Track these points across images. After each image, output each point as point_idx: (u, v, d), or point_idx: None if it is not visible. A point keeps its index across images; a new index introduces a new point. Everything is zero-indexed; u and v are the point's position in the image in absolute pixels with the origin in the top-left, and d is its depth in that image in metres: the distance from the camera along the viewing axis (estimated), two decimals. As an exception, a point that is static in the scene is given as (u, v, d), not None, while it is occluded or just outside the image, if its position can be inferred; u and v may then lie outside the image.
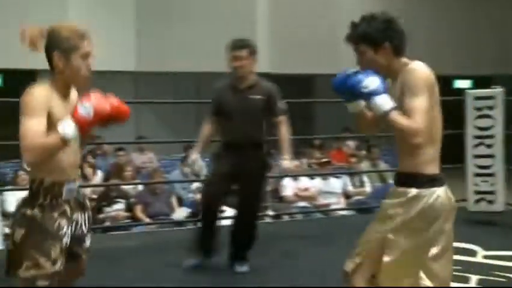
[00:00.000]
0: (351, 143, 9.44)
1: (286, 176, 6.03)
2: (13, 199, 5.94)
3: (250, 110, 3.61)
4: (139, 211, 5.95)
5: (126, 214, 5.96)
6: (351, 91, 2.11)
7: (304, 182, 6.60)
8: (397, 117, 1.99)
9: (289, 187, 6.49)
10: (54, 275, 2.01)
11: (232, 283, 3.45)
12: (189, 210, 6.12)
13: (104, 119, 2.00)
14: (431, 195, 2.04)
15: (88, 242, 2.25)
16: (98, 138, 8.50)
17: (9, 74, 10.05)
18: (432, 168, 2.08)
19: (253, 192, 3.69)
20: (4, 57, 9.33)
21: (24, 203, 2.09)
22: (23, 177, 6.11)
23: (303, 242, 4.41)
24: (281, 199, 6.50)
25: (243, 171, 3.56)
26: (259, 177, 3.70)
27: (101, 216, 5.90)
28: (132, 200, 6.12)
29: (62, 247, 2.04)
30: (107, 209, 5.96)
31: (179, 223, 5.78)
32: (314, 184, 6.67)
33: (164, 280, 3.45)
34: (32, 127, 1.96)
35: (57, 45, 2.11)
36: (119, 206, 5.99)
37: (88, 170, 7.00)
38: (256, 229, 3.73)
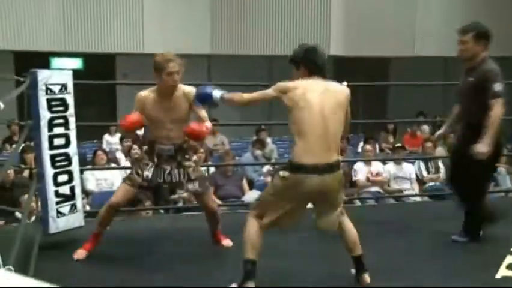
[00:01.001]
0: (426, 127, 9.17)
1: (359, 160, 5.94)
2: (92, 178, 6.22)
3: (465, 92, 3.69)
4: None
5: (198, 196, 6.05)
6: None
7: (376, 166, 6.48)
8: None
9: (361, 171, 6.39)
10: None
11: (306, 265, 3.44)
12: (260, 193, 6.15)
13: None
14: None
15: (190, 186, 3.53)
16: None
17: (89, 57, 10.46)
18: None
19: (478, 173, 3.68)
20: (84, 42, 9.72)
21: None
22: (101, 157, 6.34)
23: (375, 227, 4.31)
24: (353, 183, 6.41)
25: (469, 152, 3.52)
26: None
27: (174, 197, 6.06)
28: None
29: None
30: (180, 191, 6.10)
31: (250, 206, 5.82)
32: (387, 169, 6.53)
33: (234, 260, 3.48)
34: None
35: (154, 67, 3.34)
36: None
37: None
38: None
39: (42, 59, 9.53)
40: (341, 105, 2.88)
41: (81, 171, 6.37)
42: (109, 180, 6.33)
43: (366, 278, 3.06)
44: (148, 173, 3.42)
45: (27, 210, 3.24)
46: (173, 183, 3.60)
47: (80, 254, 3.41)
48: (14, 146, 7.29)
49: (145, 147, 3.63)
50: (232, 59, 10.60)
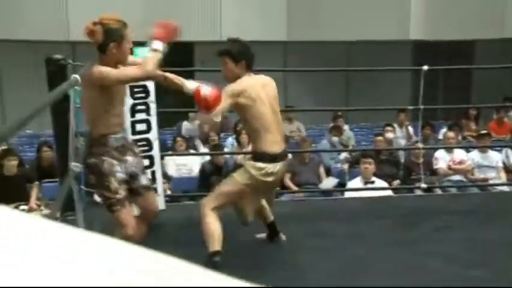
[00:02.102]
0: (514, 114, 8.69)
1: (440, 147, 5.73)
2: (173, 164, 6.40)
3: None
4: (287, 179, 6.06)
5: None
6: None
7: (459, 154, 6.22)
8: None
9: (442, 159, 6.16)
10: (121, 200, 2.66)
11: (373, 256, 3.37)
12: (337, 180, 6.10)
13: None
14: None
15: (144, 180, 2.85)
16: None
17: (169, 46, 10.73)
18: None
19: None
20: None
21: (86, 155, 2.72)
22: (181, 143, 6.50)
23: (457, 216, 4.17)
24: (434, 172, 6.19)
25: None
26: None
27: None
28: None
29: (118, 181, 2.67)
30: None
31: (326, 192, 5.79)
32: (470, 157, 6.26)
33: (317, 248, 3.47)
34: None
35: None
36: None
37: (244, 138, 7.17)
38: None
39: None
40: (277, 97, 3.13)
41: (162, 157, 6.62)
42: (188, 166, 6.49)
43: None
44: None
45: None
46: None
47: None
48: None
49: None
50: (309, 46, 10.51)
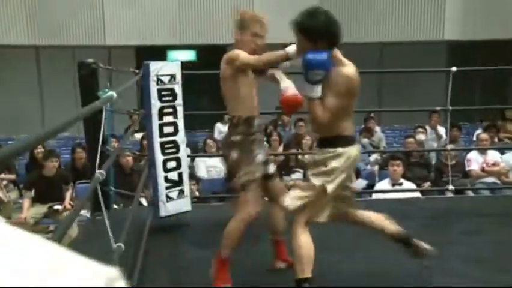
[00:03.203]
0: (554, 115, 8.46)
1: (470, 148, 5.64)
2: (203, 165, 6.49)
3: None
4: (316, 180, 6.06)
5: (305, 183, 6.10)
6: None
7: (492, 156, 6.10)
8: None
9: (475, 161, 6.06)
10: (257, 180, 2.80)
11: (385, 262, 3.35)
12: (366, 181, 6.07)
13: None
14: None
15: (271, 168, 2.97)
16: (280, 109, 8.83)
17: (202, 49, 10.86)
18: None
19: None
20: (197, 34, 10.11)
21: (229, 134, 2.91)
22: (211, 145, 6.58)
23: (487, 219, 4.10)
24: (466, 174, 6.09)
25: None
26: None
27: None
28: (310, 169, 6.25)
29: (258, 162, 2.82)
30: (286, 178, 6.18)
31: (357, 194, 5.75)
32: (505, 159, 6.13)
33: (339, 248, 3.48)
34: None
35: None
36: (297, 176, 6.17)
37: (275, 140, 7.20)
38: None
39: (160, 52, 10.07)
40: None
41: (192, 159, 6.72)
42: (218, 167, 6.56)
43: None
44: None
45: (139, 194, 3.47)
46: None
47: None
48: (135, 135, 7.78)
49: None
50: (343, 47, 10.46)
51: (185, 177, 3.85)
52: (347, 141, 2.60)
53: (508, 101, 11.02)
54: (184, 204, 3.86)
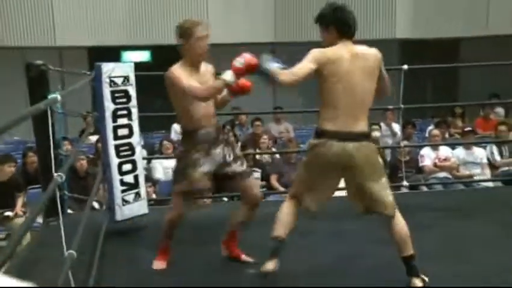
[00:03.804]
0: (500, 110, 8.76)
1: (423, 145, 5.78)
2: (160, 167, 6.41)
3: None
4: (274, 180, 6.09)
5: (261, 183, 6.12)
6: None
7: (444, 151, 6.27)
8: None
9: (428, 157, 6.21)
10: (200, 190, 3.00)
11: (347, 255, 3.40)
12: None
13: (250, 69, 2.71)
14: None
15: (236, 167, 3.03)
16: (236, 109, 8.84)
17: (156, 49, 10.73)
18: None
19: None
20: (151, 34, 9.99)
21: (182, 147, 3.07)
22: (168, 146, 6.51)
23: (440, 214, 4.20)
24: (419, 169, 6.24)
25: None
26: None
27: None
28: (267, 169, 6.27)
29: (202, 172, 2.94)
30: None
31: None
32: (456, 154, 6.31)
33: (303, 246, 3.48)
34: (192, 84, 2.84)
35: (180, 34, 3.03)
36: (255, 175, 6.16)
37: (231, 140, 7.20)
38: None
39: (113, 53, 9.89)
40: (371, 71, 2.72)
41: (149, 161, 6.63)
42: (176, 169, 6.50)
43: (416, 282, 2.77)
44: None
45: (93, 198, 3.40)
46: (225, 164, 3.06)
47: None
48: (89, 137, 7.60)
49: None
50: (297, 46, 10.53)
51: (142, 179, 3.80)
52: (322, 134, 2.71)
53: (457, 98, 11.33)
54: (140, 207, 3.80)
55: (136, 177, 3.75)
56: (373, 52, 2.76)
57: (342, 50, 2.69)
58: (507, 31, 10.34)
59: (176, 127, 9.00)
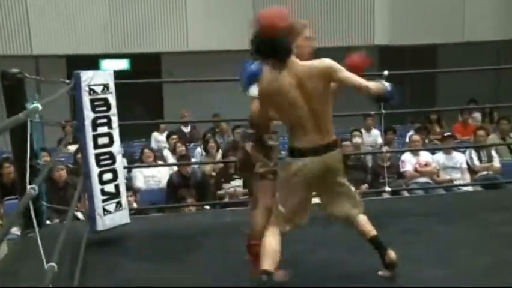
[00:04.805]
0: (477, 116, 8.88)
1: (406, 150, 5.81)
2: (141, 175, 6.34)
3: None
4: (256, 187, 6.05)
5: (243, 190, 6.09)
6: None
7: (424, 156, 6.31)
8: None
9: (409, 162, 6.25)
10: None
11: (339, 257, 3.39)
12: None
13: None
14: None
15: None
16: (217, 117, 8.81)
17: (135, 57, 10.67)
18: None
19: None
20: (130, 43, 9.92)
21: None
22: (148, 154, 6.44)
23: (423, 218, 4.22)
24: (400, 175, 6.27)
25: None
26: None
27: (220, 192, 6.10)
28: (250, 176, 6.25)
29: None
30: (226, 185, 6.14)
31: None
32: (436, 159, 6.36)
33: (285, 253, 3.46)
34: None
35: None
36: (237, 183, 6.14)
37: (212, 148, 7.14)
38: None
39: (92, 62, 9.79)
40: (320, 91, 2.68)
41: (129, 169, 6.56)
42: (157, 177, 6.43)
43: (390, 253, 2.89)
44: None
45: (73, 208, 3.33)
46: None
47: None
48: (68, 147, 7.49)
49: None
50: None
51: (123, 188, 3.74)
52: (294, 152, 2.74)
53: (436, 103, 11.47)
54: (122, 217, 3.74)
55: (117, 187, 3.69)
56: (317, 66, 2.69)
57: (283, 79, 2.65)
58: (483, 38, 10.53)
59: (156, 135, 8.94)
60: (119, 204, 3.71)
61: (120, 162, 3.73)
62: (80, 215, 4.96)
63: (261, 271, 2.67)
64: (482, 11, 10.65)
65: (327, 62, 2.70)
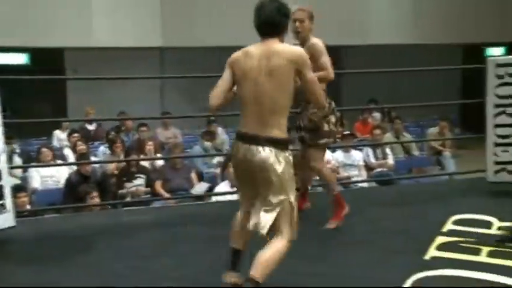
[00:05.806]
0: (377, 115, 9.29)
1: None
2: (37, 175, 6.10)
3: None
4: (158, 186, 6.02)
5: (146, 189, 6.03)
6: None
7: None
8: None
9: (309, 160, 6.42)
10: None
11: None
12: (208, 184, 6.13)
13: None
14: None
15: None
16: (123, 114, 8.63)
17: (36, 52, 10.20)
18: None
19: None
20: (30, 36, 9.46)
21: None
22: (47, 153, 6.20)
23: (321, 214, 4.34)
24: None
25: None
26: None
27: (121, 191, 6.00)
28: (152, 175, 6.19)
29: None
30: (128, 184, 6.05)
31: (198, 197, 5.81)
32: (335, 157, 6.60)
33: (178, 254, 3.45)
34: None
35: None
36: (139, 182, 6.07)
37: (117, 146, 6.95)
38: None
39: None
40: (281, 71, 2.48)
41: (25, 169, 6.30)
42: (56, 177, 6.21)
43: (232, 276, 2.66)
44: None
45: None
46: None
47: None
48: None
49: None
50: (186, 51, 10.50)
51: (7, 190, 3.57)
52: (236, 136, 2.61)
53: (341, 103, 11.85)
54: (5, 220, 3.57)
55: (0, 188, 3.53)
56: (290, 50, 2.54)
57: (254, 48, 2.56)
58: (386, 41, 11.03)
59: (58, 133, 8.62)
60: (2, 206, 3.54)
61: (4, 163, 3.57)
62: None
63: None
64: (386, 14, 11.19)
65: (304, 53, 2.59)
